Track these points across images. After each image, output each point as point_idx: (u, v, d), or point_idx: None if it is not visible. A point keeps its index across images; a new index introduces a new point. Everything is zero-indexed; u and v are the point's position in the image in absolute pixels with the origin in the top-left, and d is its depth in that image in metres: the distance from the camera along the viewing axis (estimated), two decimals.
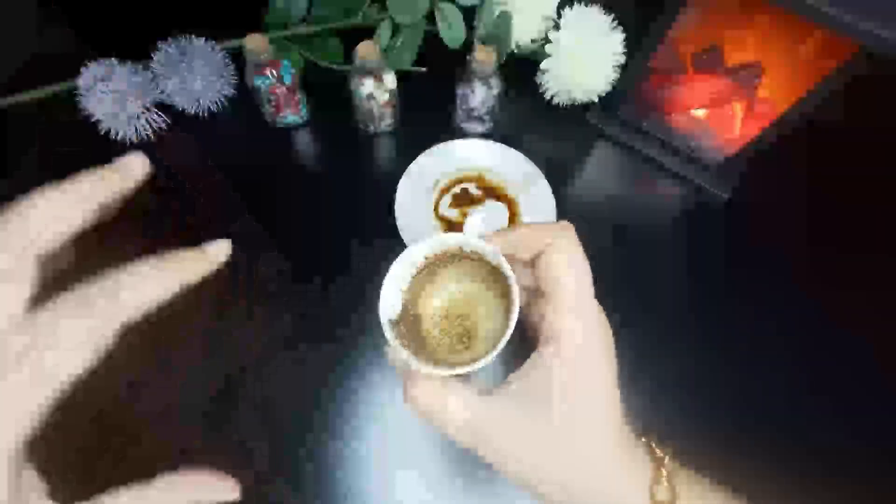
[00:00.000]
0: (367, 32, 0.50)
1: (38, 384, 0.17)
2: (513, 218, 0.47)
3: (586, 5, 0.48)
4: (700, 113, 0.50)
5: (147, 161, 0.24)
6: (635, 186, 0.52)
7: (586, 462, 0.22)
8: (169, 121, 0.49)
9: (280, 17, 0.50)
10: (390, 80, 0.46)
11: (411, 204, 0.46)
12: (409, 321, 0.25)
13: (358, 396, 0.39)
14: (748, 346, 0.43)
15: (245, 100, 0.49)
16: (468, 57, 0.45)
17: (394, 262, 0.24)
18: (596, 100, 0.52)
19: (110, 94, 0.44)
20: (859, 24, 0.33)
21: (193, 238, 0.23)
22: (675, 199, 0.51)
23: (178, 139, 0.49)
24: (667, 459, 0.23)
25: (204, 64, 0.47)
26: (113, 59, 0.46)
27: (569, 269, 0.22)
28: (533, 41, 0.51)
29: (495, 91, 0.47)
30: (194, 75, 0.47)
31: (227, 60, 0.49)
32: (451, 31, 0.50)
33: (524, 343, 0.25)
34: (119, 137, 0.47)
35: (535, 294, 0.24)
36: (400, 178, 0.47)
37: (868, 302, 0.46)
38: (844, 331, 0.44)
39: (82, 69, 0.45)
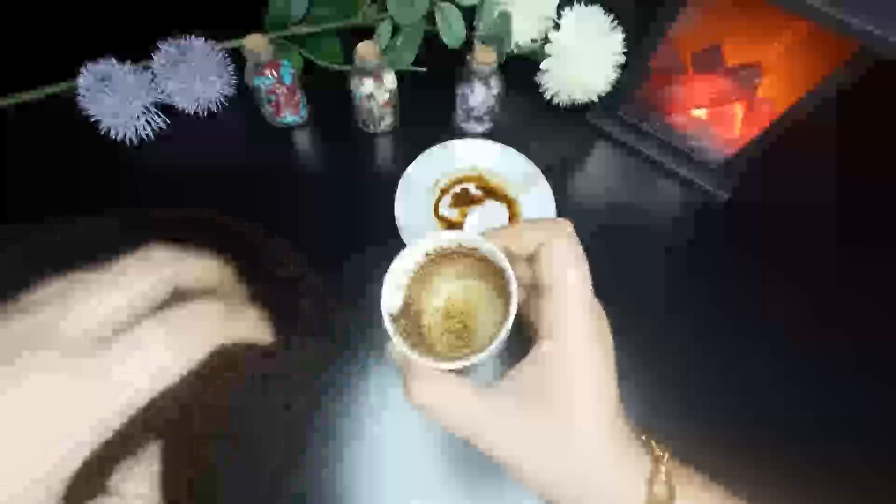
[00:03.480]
0: (367, 32, 0.50)
1: (111, 392, 0.16)
2: (513, 218, 0.47)
3: (586, 5, 0.48)
4: (700, 113, 0.51)
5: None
6: (635, 186, 0.52)
7: (584, 458, 0.22)
8: (169, 121, 0.49)
9: (280, 17, 0.50)
10: (390, 80, 0.46)
11: (411, 204, 0.46)
12: (409, 317, 0.26)
13: (358, 395, 0.39)
14: (748, 346, 0.43)
15: (245, 100, 0.49)
16: (468, 57, 0.45)
17: (395, 259, 0.24)
18: (596, 100, 0.52)
19: (110, 94, 0.44)
20: (859, 24, 0.33)
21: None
22: (675, 199, 0.51)
23: (178, 139, 0.49)
24: (665, 457, 0.23)
25: (204, 64, 0.47)
26: (113, 59, 0.46)
27: (567, 266, 0.23)
28: (533, 41, 0.51)
29: (495, 91, 0.47)
30: (194, 75, 0.47)
31: (227, 60, 0.49)
32: (451, 31, 0.50)
33: (524, 339, 0.25)
34: (119, 137, 0.47)
35: (534, 290, 0.24)
36: (400, 177, 0.47)
37: (869, 302, 0.46)
38: (845, 330, 0.44)
39: (82, 69, 0.45)
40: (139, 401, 0.16)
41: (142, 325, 0.17)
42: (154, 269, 0.19)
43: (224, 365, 0.20)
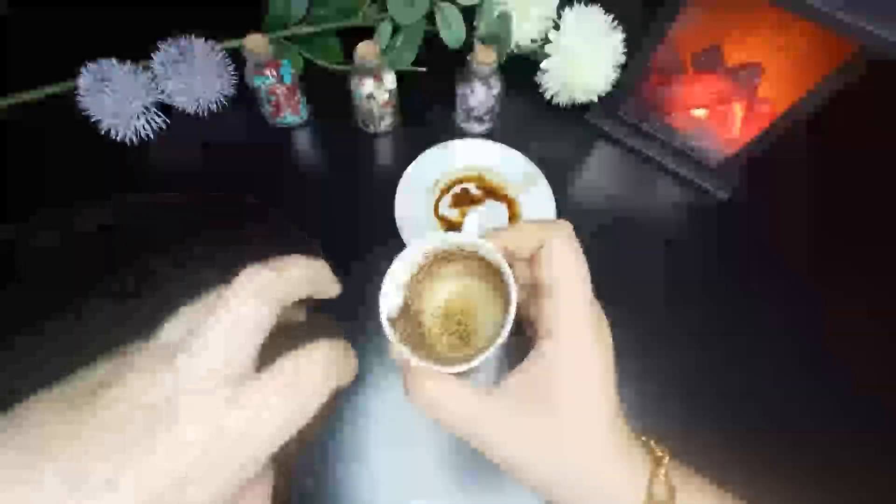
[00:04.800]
0: (367, 32, 0.50)
1: (238, 456, 0.17)
2: (513, 218, 0.47)
3: (586, 5, 0.48)
4: (700, 113, 0.51)
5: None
6: (635, 186, 0.52)
7: (583, 458, 0.22)
8: (169, 121, 0.49)
9: (280, 17, 0.50)
10: (390, 80, 0.46)
11: (411, 204, 0.46)
12: (409, 318, 0.26)
13: (357, 395, 0.39)
14: (748, 346, 0.43)
15: (245, 100, 0.49)
16: (468, 57, 0.45)
17: (395, 259, 0.24)
18: (596, 100, 0.52)
19: (110, 94, 0.44)
20: (859, 24, 0.33)
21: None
22: (675, 199, 0.51)
23: (178, 139, 0.49)
24: (665, 458, 0.23)
25: (204, 64, 0.47)
26: (113, 59, 0.46)
27: (566, 266, 0.23)
28: (533, 41, 0.51)
29: (495, 91, 0.47)
30: (194, 75, 0.47)
31: (227, 60, 0.49)
32: (451, 31, 0.50)
33: (524, 339, 0.25)
34: (119, 137, 0.47)
35: (534, 291, 0.24)
36: (400, 177, 0.47)
37: (870, 300, 0.46)
38: (845, 329, 0.44)
39: (82, 69, 0.45)
40: (267, 450, 0.18)
41: (264, 382, 0.18)
42: (264, 291, 0.20)
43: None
